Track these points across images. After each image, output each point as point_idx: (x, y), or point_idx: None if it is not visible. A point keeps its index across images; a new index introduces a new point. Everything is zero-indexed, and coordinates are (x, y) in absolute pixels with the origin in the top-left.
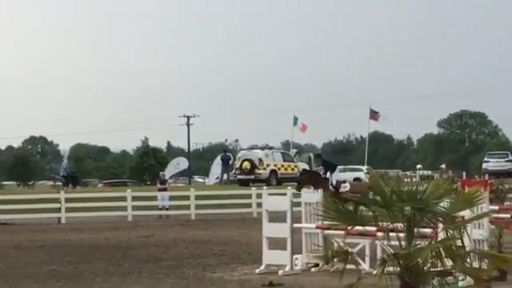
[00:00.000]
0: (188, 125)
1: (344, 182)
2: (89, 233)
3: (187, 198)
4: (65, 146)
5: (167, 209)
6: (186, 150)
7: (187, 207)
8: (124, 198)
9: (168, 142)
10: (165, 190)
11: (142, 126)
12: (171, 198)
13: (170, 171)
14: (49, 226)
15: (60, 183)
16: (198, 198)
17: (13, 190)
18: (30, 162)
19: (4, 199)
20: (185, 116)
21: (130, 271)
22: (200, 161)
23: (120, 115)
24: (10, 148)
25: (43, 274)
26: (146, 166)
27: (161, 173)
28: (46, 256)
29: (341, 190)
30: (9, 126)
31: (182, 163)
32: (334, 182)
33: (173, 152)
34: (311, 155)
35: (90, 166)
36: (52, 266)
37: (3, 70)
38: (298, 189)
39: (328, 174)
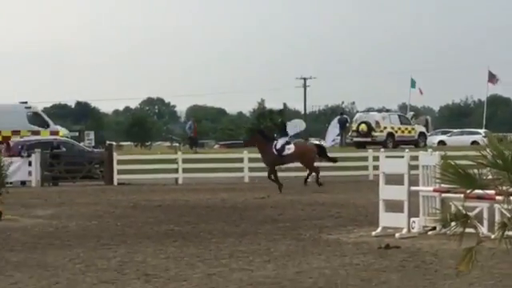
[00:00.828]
0: (305, 87)
1: (288, 143)
2: (205, 193)
3: None
4: (182, 108)
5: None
6: (303, 112)
7: (304, 169)
8: (241, 160)
9: (284, 104)
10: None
11: (259, 88)
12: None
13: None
14: (166, 186)
15: (177, 144)
16: None
17: (130, 151)
18: (147, 123)
19: (122, 159)
20: (301, 78)
21: (246, 232)
22: (316, 123)
23: (237, 77)
24: (127, 109)
25: (160, 234)
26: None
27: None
28: (163, 216)
29: (284, 152)
30: (127, 87)
31: (298, 125)
32: (279, 146)
33: (289, 114)
34: (428, 118)
35: (207, 127)
36: (169, 226)
37: (122, 33)
38: (245, 145)
39: (280, 137)
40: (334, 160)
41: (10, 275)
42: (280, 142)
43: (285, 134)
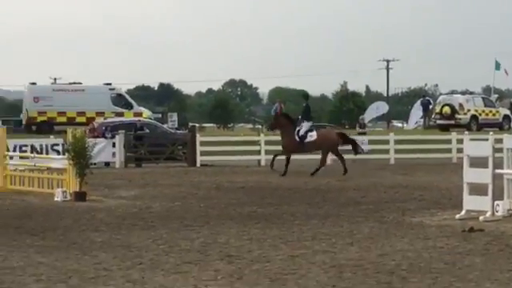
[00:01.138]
0: (387, 69)
1: (311, 130)
2: (288, 175)
3: (386, 142)
4: (264, 90)
5: (366, 153)
6: (385, 95)
7: (386, 151)
8: None
9: (367, 86)
10: (364, 134)
11: (341, 70)
12: (370, 142)
13: (369, 115)
14: (248, 168)
15: (259, 126)
16: (397, 142)
17: (213, 133)
18: (229, 105)
19: (205, 141)
20: (384, 60)
21: (329, 214)
22: (399, 105)
23: (319, 59)
24: (210, 91)
25: (243, 215)
26: (344, 110)
27: (360, 117)
28: (245, 198)
29: (306, 140)
30: (210, 69)
31: (381, 107)
32: (302, 132)
33: (371, 96)
34: None
35: (289, 109)
36: (252, 208)
37: (202, 15)
38: (270, 129)
39: (304, 122)
40: (357, 152)
41: (94, 255)
42: (303, 129)
43: (308, 118)
